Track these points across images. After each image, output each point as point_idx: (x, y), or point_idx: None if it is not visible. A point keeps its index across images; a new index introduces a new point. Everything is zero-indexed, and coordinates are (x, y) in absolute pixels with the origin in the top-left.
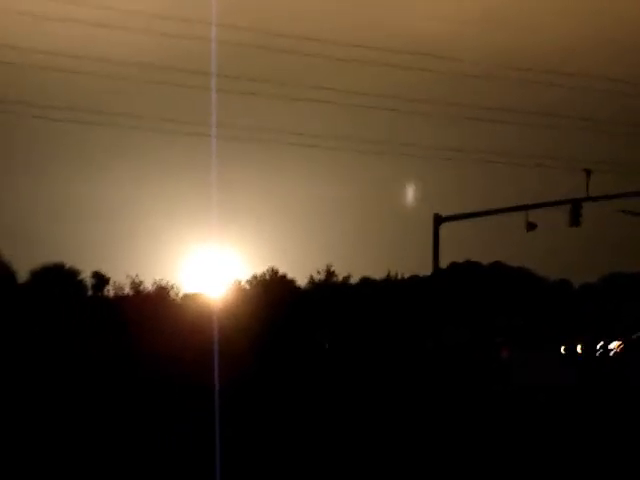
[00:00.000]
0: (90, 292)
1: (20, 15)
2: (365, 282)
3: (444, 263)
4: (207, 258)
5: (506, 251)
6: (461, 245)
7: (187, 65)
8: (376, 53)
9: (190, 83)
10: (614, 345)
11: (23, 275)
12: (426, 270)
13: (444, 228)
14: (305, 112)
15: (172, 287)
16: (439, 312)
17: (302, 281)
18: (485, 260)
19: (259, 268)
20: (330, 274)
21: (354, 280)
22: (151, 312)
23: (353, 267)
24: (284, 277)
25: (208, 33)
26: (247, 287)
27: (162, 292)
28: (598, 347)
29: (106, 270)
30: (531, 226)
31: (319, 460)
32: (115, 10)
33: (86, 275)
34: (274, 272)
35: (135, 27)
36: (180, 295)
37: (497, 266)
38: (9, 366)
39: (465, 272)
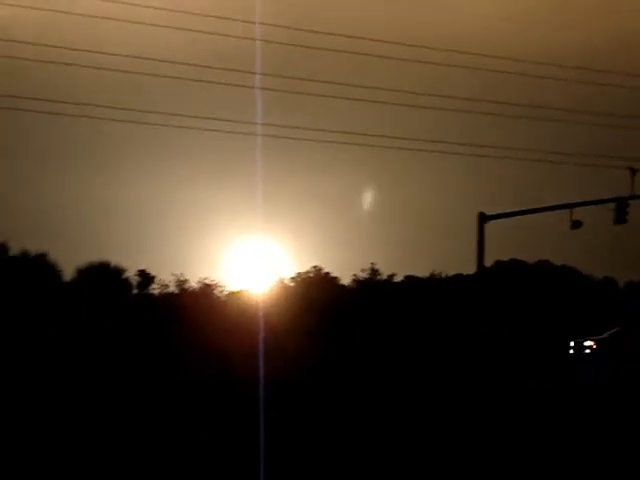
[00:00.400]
0: (135, 290)
1: (76, 16)
2: (409, 280)
3: (489, 262)
4: (251, 256)
5: (551, 249)
6: (506, 244)
7: (235, 64)
8: (417, 51)
9: (238, 82)
10: (588, 344)
11: (69, 273)
12: (470, 269)
13: (489, 227)
14: (349, 110)
15: (217, 285)
16: (483, 310)
17: (346, 280)
18: (530, 259)
19: (302, 266)
20: (374, 272)
21: (398, 279)
22: (196, 310)
23: (397, 266)
24: (328, 275)
25: (254, 32)
26: (291, 285)
27: (207, 290)
28: (572, 345)
29: (151, 268)
30: (576, 224)
31: (366, 461)
32: (162, 9)
33: (131, 273)
34: (318, 270)
35: (181, 26)
36: (225, 293)
37: (542, 264)
38: (55, 362)
39: (510, 271)
